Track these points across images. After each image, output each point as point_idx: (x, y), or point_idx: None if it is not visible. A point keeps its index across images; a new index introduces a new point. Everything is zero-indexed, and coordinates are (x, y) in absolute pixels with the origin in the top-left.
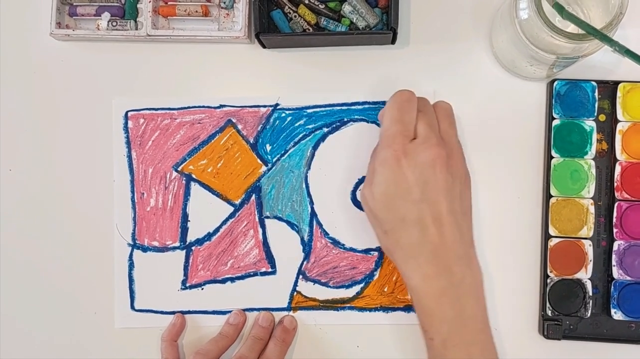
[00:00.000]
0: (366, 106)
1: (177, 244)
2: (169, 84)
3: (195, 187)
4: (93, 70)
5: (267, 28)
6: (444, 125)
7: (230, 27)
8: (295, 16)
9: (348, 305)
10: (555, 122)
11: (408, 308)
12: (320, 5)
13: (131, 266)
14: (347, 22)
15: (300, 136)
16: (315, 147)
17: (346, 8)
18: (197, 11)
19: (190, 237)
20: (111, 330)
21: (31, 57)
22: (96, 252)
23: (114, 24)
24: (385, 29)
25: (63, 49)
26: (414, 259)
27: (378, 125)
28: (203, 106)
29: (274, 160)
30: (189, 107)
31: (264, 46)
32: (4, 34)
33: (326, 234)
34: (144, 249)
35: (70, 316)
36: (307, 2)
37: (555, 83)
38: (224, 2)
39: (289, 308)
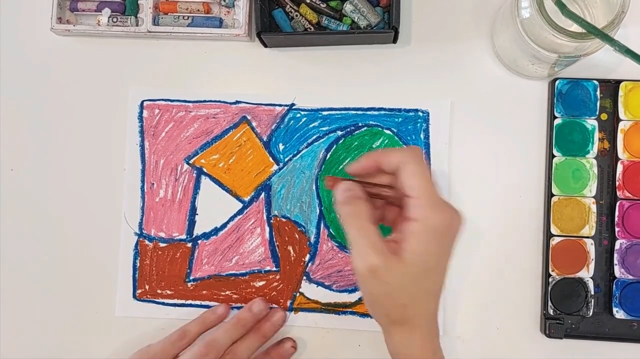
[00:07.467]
0: (382, 112)
1: (184, 236)
2: (169, 80)
3: (205, 181)
4: (93, 65)
5: (268, 27)
6: None
7: (231, 24)
8: (296, 15)
9: (350, 310)
10: (557, 121)
11: None
12: (321, 5)
13: (136, 255)
14: (349, 21)
15: (314, 137)
16: (328, 150)
17: (347, 7)
18: (199, 10)
19: (197, 230)
20: (111, 317)
21: (31, 51)
22: (102, 239)
23: (115, 19)
24: (387, 28)
25: (63, 44)
26: (427, 328)
27: (393, 132)
28: (219, 101)
29: (286, 160)
30: (204, 101)
31: (265, 45)
32: (4, 27)
33: (333, 237)
34: (150, 239)
35: (72, 301)
36: (308, 1)
37: (557, 82)
38: (225, 0)
39: (290, 309)
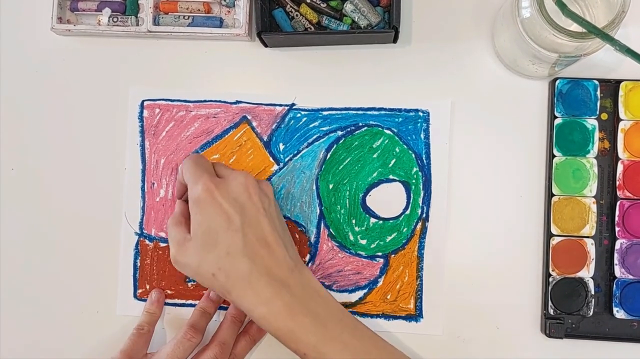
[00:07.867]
0: (382, 112)
1: None
2: (169, 80)
3: None
4: (93, 65)
5: (269, 27)
6: None
7: (232, 24)
8: (297, 15)
9: (350, 310)
10: (557, 121)
11: (409, 317)
12: (322, 4)
13: (137, 254)
14: (349, 21)
15: (314, 137)
16: (328, 150)
17: (348, 7)
18: (199, 9)
19: None
20: (112, 317)
21: (31, 51)
22: (103, 239)
23: (115, 19)
24: (387, 28)
25: (63, 44)
26: (251, 289)
27: (393, 132)
28: (219, 101)
29: (286, 160)
30: (205, 101)
31: (265, 45)
32: (4, 27)
33: (333, 237)
34: (151, 239)
35: (72, 300)
36: (308, 1)
37: (557, 82)
38: (225, 0)
39: None
